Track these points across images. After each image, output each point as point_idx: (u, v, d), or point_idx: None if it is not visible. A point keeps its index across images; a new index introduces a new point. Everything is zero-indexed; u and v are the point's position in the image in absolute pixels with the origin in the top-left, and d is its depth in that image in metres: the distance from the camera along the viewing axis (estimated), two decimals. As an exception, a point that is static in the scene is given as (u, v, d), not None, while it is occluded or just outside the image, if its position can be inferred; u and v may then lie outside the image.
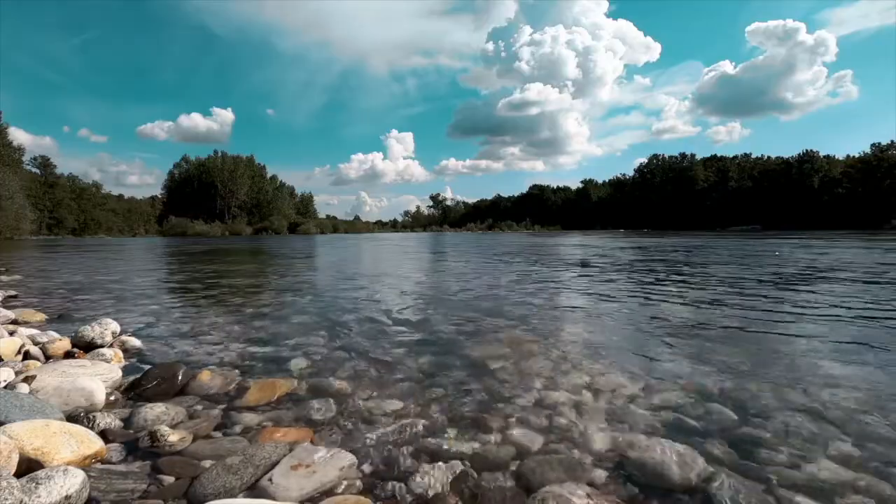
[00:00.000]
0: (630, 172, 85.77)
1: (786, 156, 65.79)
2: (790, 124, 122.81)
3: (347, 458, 1.36)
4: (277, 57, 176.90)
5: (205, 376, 2.07)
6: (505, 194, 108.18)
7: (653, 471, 1.31)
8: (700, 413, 1.71)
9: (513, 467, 1.36)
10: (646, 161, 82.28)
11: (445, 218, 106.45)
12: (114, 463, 1.36)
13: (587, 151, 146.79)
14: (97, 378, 1.85)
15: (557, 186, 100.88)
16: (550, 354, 2.50)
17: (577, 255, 11.67)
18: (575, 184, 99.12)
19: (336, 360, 2.41)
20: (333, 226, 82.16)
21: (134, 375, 2.06)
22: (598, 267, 8.07)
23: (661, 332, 2.99)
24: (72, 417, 1.59)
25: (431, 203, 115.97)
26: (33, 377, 1.79)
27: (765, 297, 4.42)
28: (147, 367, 2.20)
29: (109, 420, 1.61)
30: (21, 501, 1.03)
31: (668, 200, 72.88)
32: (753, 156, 71.57)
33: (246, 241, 30.33)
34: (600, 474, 1.31)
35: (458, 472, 1.33)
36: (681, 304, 4.09)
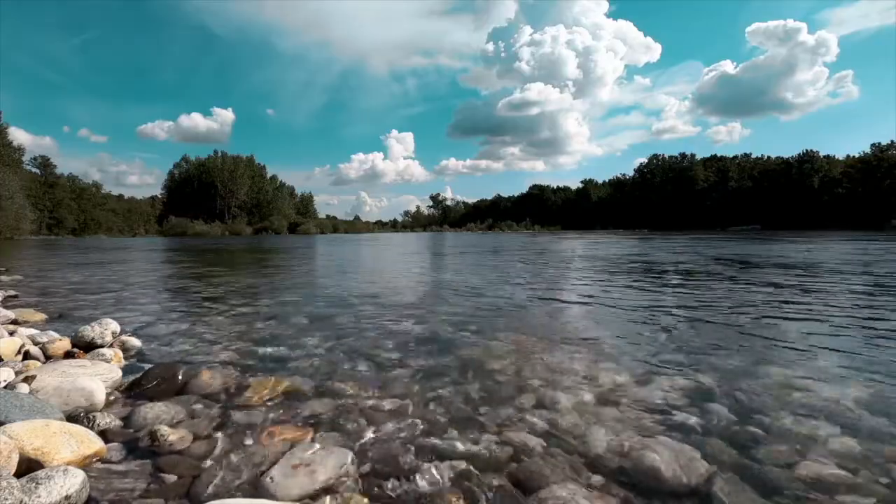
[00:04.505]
0: (630, 172, 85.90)
1: (786, 156, 65.88)
2: (790, 124, 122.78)
3: (347, 457, 1.36)
4: (277, 57, 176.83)
5: (205, 375, 2.07)
6: (505, 194, 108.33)
7: (652, 471, 1.31)
8: (699, 413, 1.71)
9: (512, 468, 1.36)
10: (646, 161, 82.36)
11: (445, 218, 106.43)
12: (114, 463, 1.36)
13: (587, 151, 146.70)
14: (97, 378, 1.85)
15: (557, 186, 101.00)
16: (550, 355, 2.50)
17: (582, 254, 11.67)
18: (575, 184, 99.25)
19: (336, 359, 2.41)
20: (333, 226, 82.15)
21: (134, 375, 2.06)
22: (601, 268, 8.07)
23: (661, 333, 2.99)
24: (72, 417, 1.59)
25: (431, 203, 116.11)
26: (33, 377, 1.79)
27: (768, 298, 4.42)
28: (147, 366, 2.20)
29: (109, 420, 1.61)
30: (21, 501, 1.03)
31: (668, 200, 72.88)
32: (753, 156, 71.64)
33: (246, 242, 30.34)
34: (600, 475, 1.31)
35: (457, 471, 1.33)
36: (681, 304, 4.09)
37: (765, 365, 2.27)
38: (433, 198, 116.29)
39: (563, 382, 2.05)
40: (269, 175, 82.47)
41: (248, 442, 1.49)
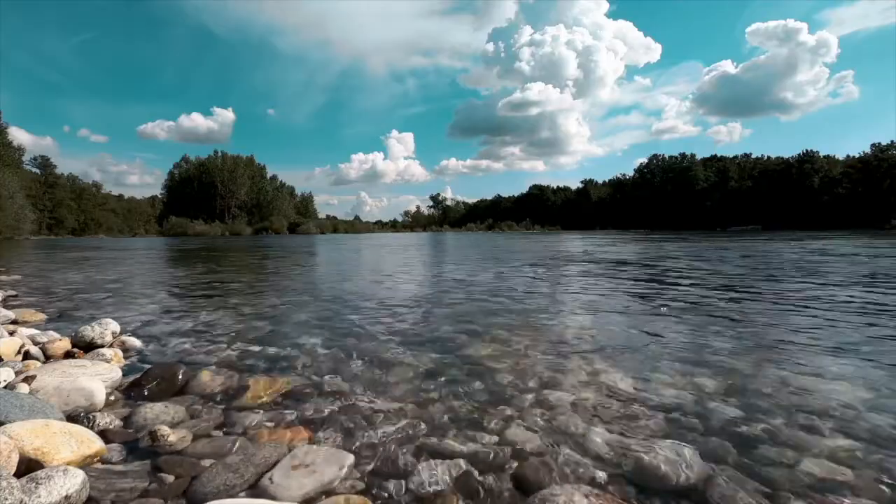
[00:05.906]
0: (630, 172, 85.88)
1: (786, 156, 65.85)
2: (790, 124, 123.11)
3: (347, 458, 1.36)
4: (277, 57, 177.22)
5: (205, 376, 2.07)
6: (505, 194, 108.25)
7: (652, 471, 1.31)
8: (699, 413, 1.71)
9: (513, 467, 1.36)
10: (646, 161, 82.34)
11: (445, 218, 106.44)
12: (114, 462, 1.36)
13: (587, 151, 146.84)
14: (97, 378, 1.85)
15: (558, 186, 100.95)
16: (550, 355, 2.50)
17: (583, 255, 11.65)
18: (575, 184, 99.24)
19: (336, 360, 2.41)
20: (333, 226, 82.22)
21: (134, 375, 2.06)
22: (600, 268, 8.06)
23: (660, 333, 2.99)
24: (72, 417, 1.59)
25: (431, 203, 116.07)
26: (33, 377, 1.79)
27: (768, 298, 4.41)
28: (147, 366, 2.20)
29: (109, 420, 1.61)
30: (21, 501, 1.03)
31: (668, 200, 72.84)
32: (754, 156, 71.60)
33: (246, 242, 30.33)
34: (600, 474, 1.31)
35: (457, 471, 1.32)
36: (680, 305, 4.09)
37: (765, 365, 2.27)
38: (433, 198, 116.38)
39: (563, 382, 2.05)
40: (269, 175, 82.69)
41: (248, 442, 1.48)
